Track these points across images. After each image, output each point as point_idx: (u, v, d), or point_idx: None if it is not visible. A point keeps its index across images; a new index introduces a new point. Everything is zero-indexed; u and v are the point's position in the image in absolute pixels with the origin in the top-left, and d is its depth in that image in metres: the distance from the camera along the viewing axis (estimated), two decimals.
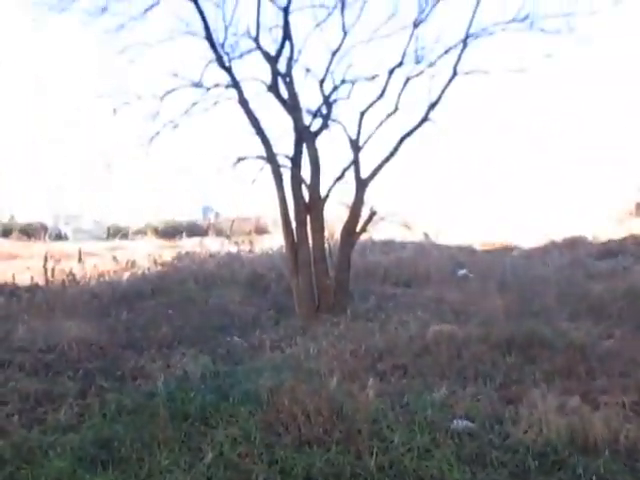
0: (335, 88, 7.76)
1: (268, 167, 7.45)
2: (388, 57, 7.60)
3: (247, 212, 23.60)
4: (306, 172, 7.53)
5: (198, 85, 7.50)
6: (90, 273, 10.10)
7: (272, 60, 7.51)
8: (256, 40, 7.45)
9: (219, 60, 7.33)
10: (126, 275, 10.33)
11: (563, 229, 16.05)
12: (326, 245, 8.10)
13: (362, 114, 7.60)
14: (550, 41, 7.01)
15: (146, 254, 12.62)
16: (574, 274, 9.49)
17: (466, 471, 2.96)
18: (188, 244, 16.42)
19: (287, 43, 7.49)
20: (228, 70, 7.39)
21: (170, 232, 26.30)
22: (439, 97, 7.28)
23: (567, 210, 18.04)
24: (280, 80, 7.55)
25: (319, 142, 7.64)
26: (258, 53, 7.57)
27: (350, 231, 7.60)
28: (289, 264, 7.58)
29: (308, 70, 7.78)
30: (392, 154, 7.42)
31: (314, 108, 7.74)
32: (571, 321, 6.16)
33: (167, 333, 6.33)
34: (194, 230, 26.33)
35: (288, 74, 7.59)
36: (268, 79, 7.54)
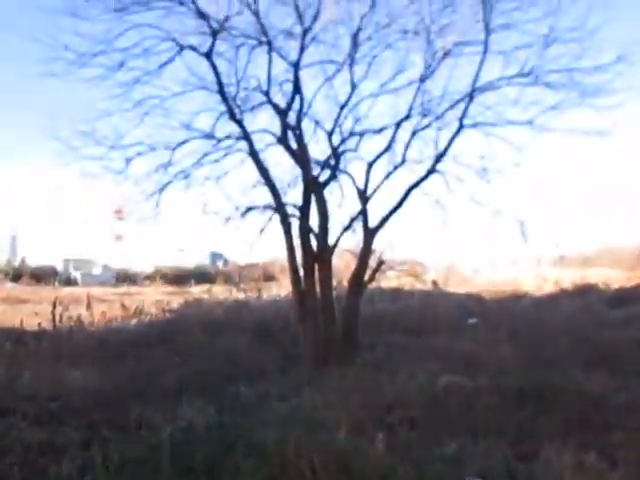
0: (343, 140, 7.93)
1: (276, 216, 7.56)
2: (396, 110, 7.78)
3: (255, 258, 23.70)
4: (314, 221, 7.62)
5: (209, 136, 7.71)
6: (98, 319, 10.13)
7: (282, 113, 7.73)
8: (267, 94, 7.70)
9: (230, 113, 7.56)
10: (133, 322, 10.34)
11: (573, 276, 15.92)
12: (334, 293, 8.08)
13: (370, 165, 7.74)
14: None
15: (154, 300, 12.66)
16: (586, 322, 9.34)
17: None
18: (196, 290, 16.47)
19: (297, 97, 7.73)
20: (239, 123, 7.61)
21: (179, 278, 26.44)
22: (446, 149, 7.43)
23: (575, 258, 17.95)
24: (290, 132, 7.76)
25: (327, 192, 7.78)
26: (269, 106, 7.81)
27: (358, 280, 7.60)
28: (296, 313, 7.56)
29: (317, 123, 8.00)
30: (400, 204, 7.51)
31: (322, 159, 7.90)
32: (585, 371, 6.02)
33: (173, 382, 6.26)
34: (203, 276, 26.42)
35: (298, 127, 7.79)
36: (278, 131, 7.76)
